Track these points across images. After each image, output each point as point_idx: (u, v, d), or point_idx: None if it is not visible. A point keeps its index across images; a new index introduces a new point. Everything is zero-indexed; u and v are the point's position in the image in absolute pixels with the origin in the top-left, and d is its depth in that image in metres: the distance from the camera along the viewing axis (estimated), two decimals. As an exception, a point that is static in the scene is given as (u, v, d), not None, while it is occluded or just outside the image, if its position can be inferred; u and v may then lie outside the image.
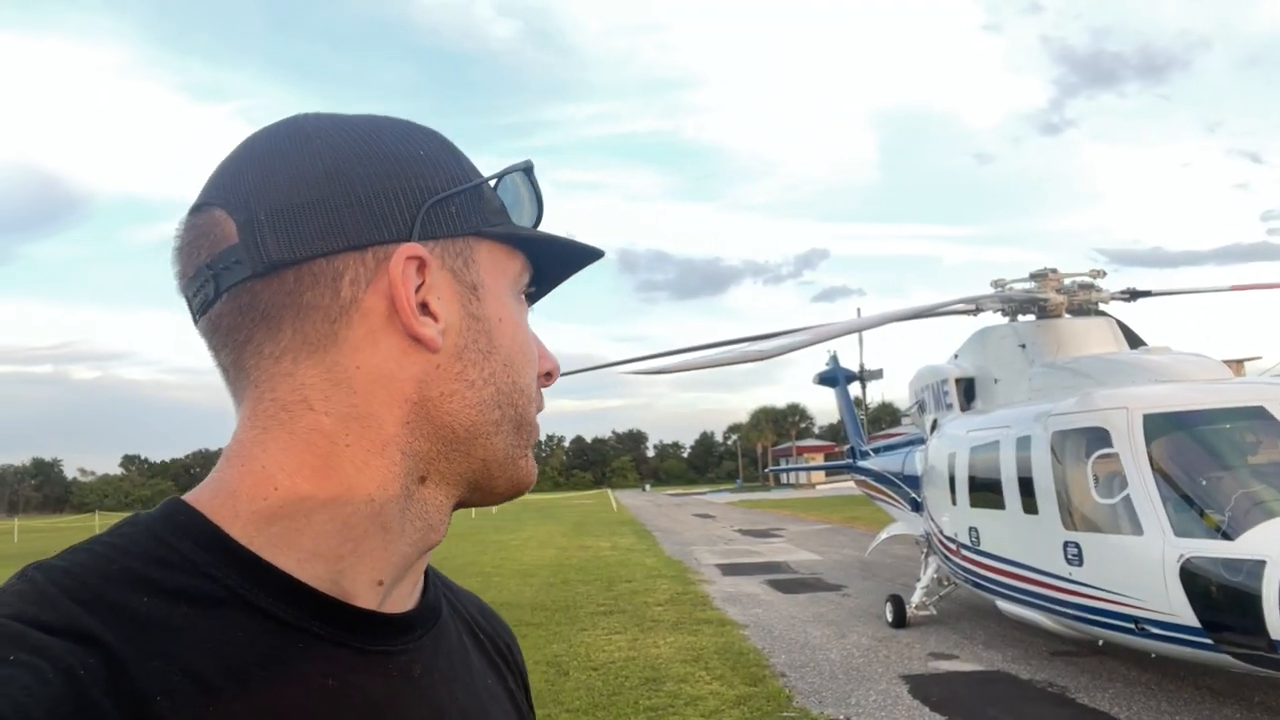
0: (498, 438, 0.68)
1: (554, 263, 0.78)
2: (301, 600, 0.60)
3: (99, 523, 55.58)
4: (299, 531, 0.62)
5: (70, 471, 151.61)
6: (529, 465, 0.73)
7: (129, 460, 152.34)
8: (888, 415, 62.35)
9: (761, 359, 8.09)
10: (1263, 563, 5.35)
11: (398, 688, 0.65)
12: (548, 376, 0.76)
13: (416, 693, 0.66)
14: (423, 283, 0.65)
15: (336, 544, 0.63)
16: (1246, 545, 5.56)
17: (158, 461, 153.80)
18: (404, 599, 0.69)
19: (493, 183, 0.73)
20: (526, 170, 0.75)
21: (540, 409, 0.75)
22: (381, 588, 0.65)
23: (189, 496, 0.64)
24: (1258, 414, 6.36)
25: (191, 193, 0.68)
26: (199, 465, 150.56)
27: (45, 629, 0.51)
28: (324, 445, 0.63)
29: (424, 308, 0.65)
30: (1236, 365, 8.96)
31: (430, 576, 0.77)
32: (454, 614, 0.79)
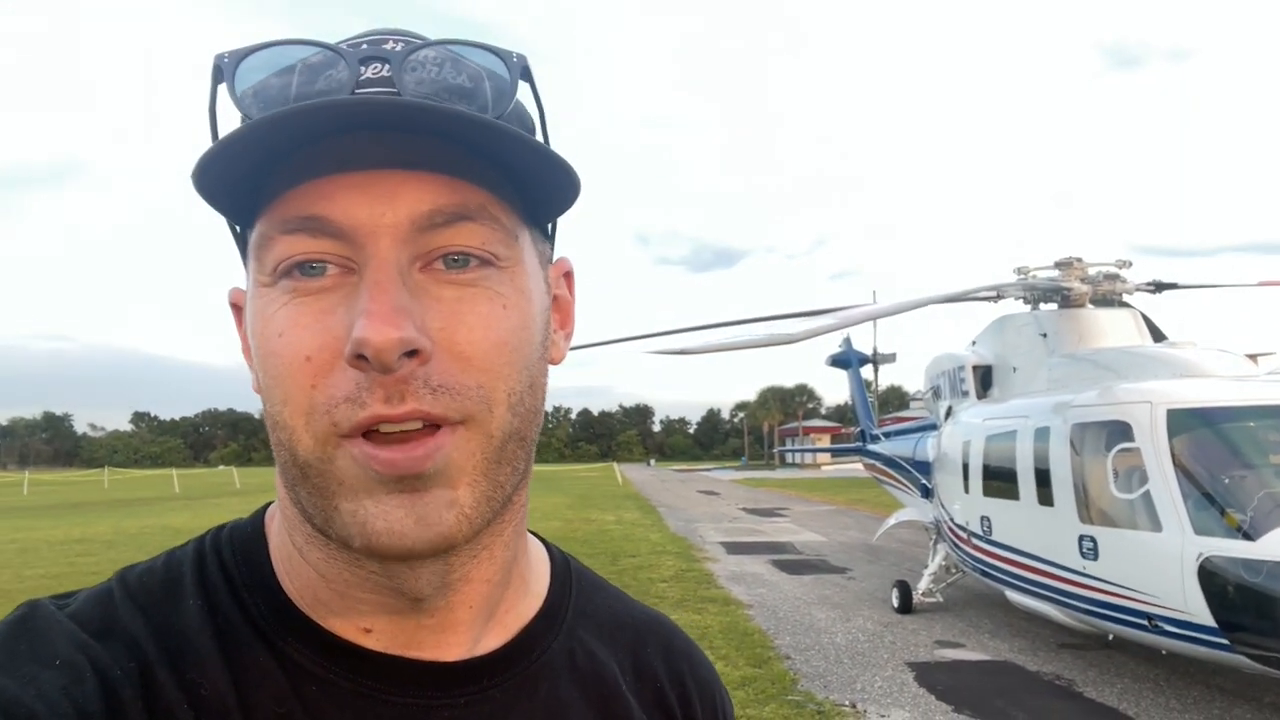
0: (296, 489, 0.53)
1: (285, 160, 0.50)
2: (319, 645, 0.57)
3: (108, 478, 56.15)
4: (298, 573, 0.60)
5: (80, 426, 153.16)
6: (355, 517, 0.50)
7: (139, 417, 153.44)
8: (896, 399, 62.27)
9: (789, 342, 7.88)
10: (1285, 565, 5.26)
11: None
12: (358, 359, 0.47)
13: None
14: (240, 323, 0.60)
15: (318, 589, 0.58)
16: (1268, 546, 5.47)
17: (167, 420, 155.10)
18: (459, 646, 0.61)
19: (227, 124, 0.52)
20: (217, 68, 0.52)
21: (372, 418, 0.48)
22: (370, 635, 0.58)
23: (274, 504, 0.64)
24: (1284, 413, 6.25)
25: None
26: (208, 424, 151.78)
27: (97, 631, 0.52)
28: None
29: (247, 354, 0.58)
30: (1251, 360, 8.83)
31: (545, 617, 0.67)
32: (575, 660, 0.67)
